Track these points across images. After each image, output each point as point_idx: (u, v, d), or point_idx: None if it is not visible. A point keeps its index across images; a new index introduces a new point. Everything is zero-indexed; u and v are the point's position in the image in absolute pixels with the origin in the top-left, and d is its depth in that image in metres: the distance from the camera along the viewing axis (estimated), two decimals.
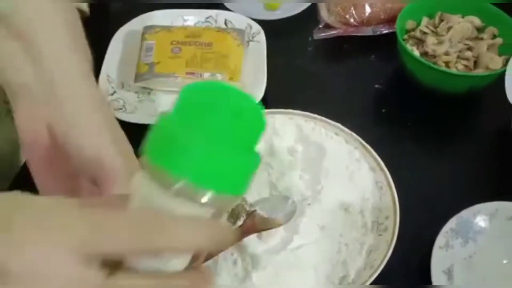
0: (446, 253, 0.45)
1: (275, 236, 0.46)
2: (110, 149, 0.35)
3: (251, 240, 0.46)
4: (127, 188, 0.26)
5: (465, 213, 0.46)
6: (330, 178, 0.49)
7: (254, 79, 0.59)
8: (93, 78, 0.39)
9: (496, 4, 0.60)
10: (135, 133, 0.53)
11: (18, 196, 0.24)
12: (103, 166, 0.34)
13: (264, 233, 0.46)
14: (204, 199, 0.24)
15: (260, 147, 0.51)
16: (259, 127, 0.25)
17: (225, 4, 0.70)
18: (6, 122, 0.53)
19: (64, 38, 0.37)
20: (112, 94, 0.58)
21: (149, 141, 0.25)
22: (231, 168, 0.24)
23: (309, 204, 0.48)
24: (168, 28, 0.63)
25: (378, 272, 0.42)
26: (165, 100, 0.59)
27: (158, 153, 0.24)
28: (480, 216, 0.47)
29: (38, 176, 0.36)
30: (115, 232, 0.23)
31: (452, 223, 0.46)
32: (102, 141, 0.35)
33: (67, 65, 0.37)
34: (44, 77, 0.36)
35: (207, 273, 0.26)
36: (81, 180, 0.36)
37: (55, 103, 0.36)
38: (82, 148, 0.34)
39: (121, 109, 0.56)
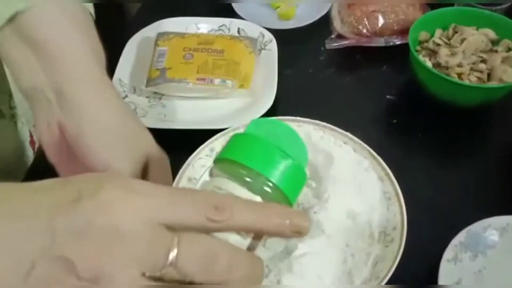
0: (455, 266, 0.44)
1: (280, 243, 0.46)
2: (118, 160, 0.36)
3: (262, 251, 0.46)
4: None
5: (475, 227, 0.46)
6: (337, 186, 0.49)
7: (265, 87, 0.59)
8: (107, 78, 0.39)
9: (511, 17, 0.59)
10: None
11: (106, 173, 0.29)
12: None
13: (269, 239, 0.46)
14: (267, 188, 0.31)
15: None
16: (305, 156, 0.38)
17: (239, 13, 0.71)
18: (10, 125, 0.54)
19: (77, 41, 0.38)
20: (124, 98, 0.58)
21: (227, 148, 0.34)
22: (290, 173, 0.33)
23: (315, 212, 0.47)
24: (181, 35, 0.64)
25: (384, 283, 0.41)
26: (175, 105, 0.59)
27: (234, 153, 0.33)
28: (490, 230, 0.46)
29: (63, 173, 0.38)
30: (191, 205, 0.25)
31: (461, 236, 0.45)
32: (111, 152, 0.36)
33: (80, 67, 0.37)
34: (57, 80, 0.36)
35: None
36: None
37: (67, 107, 0.36)
38: (90, 155, 0.36)
39: None
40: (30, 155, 0.60)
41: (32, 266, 0.23)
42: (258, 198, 0.31)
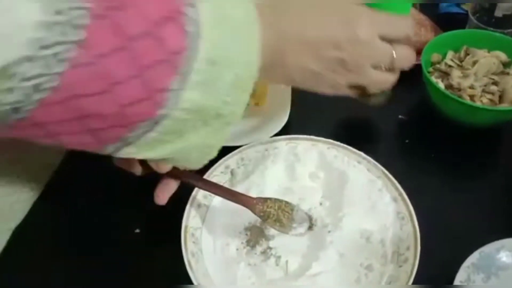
0: (468, 287, 0.44)
1: (294, 262, 0.46)
2: None
3: (269, 265, 0.46)
4: None
5: (487, 248, 0.46)
6: (351, 206, 0.49)
7: (279, 105, 0.60)
8: None
9: None
10: None
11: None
12: None
13: (282, 258, 0.46)
14: None
15: (281, 172, 0.52)
16: None
17: None
18: None
19: None
20: None
21: None
22: None
23: (329, 231, 0.48)
24: None
25: None
26: None
27: None
28: (503, 252, 0.46)
29: None
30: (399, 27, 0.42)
31: (474, 257, 0.45)
32: None
33: None
34: None
35: None
36: None
37: None
38: None
39: None
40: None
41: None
42: None
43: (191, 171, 0.44)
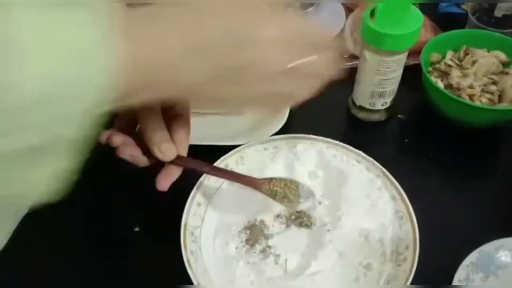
0: (466, 287, 0.44)
1: (293, 260, 0.47)
2: None
3: (268, 263, 0.46)
4: None
5: (487, 247, 0.46)
6: (350, 205, 0.49)
7: None
8: None
9: None
10: None
11: None
12: None
13: (282, 257, 0.46)
14: None
15: (281, 171, 0.52)
16: None
17: None
18: None
19: None
20: None
21: None
22: None
23: (328, 230, 0.48)
24: None
25: None
26: None
27: None
28: (502, 251, 0.46)
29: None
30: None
31: (473, 256, 0.45)
32: None
33: None
34: None
35: None
36: None
37: None
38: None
39: None
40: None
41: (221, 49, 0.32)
42: None
43: (195, 158, 0.45)
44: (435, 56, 0.62)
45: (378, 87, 0.57)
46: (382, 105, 0.59)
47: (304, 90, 0.38)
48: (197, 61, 0.32)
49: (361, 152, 0.52)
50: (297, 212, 0.49)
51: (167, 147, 0.42)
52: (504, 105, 0.56)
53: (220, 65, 0.33)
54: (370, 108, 0.59)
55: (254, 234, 0.48)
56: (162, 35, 0.31)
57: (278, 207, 0.50)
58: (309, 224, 0.49)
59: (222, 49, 0.32)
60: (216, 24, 0.33)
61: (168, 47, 0.31)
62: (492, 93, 0.57)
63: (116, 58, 0.27)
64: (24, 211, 0.50)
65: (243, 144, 0.54)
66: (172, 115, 0.44)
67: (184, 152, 0.44)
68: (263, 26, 0.34)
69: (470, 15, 0.65)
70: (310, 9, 0.76)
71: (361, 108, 0.60)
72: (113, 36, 0.28)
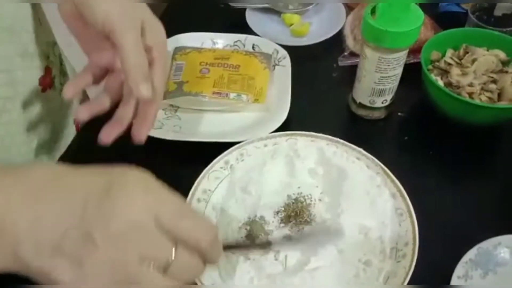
0: (465, 283, 0.44)
1: (293, 257, 0.47)
2: (117, 12, 0.41)
3: (268, 259, 0.46)
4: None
5: (485, 244, 0.46)
6: (350, 202, 0.50)
7: (279, 102, 0.60)
8: None
9: None
10: (161, 148, 0.55)
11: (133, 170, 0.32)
12: (111, 25, 0.40)
13: (281, 253, 0.47)
14: None
15: (281, 168, 0.52)
16: None
17: (254, 30, 0.72)
18: (59, 99, 0.58)
19: None
20: None
21: None
22: None
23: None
24: (198, 50, 0.65)
25: None
26: (191, 118, 0.61)
27: None
28: (501, 248, 0.46)
29: (77, 38, 0.45)
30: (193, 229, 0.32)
31: (471, 253, 0.46)
32: (110, 7, 0.41)
33: None
34: None
35: None
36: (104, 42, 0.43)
37: None
38: (94, 13, 0.41)
39: None
40: (71, 133, 0.61)
41: (65, 233, 0.29)
42: None
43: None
44: (435, 54, 0.62)
45: (378, 85, 0.57)
46: (382, 102, 0.59)
47: None
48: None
49: (361, 150, 0.52)
50: (297, 208, 0.49)
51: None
52: (503, 104, 0.56)
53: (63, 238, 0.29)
54: (370, 105, 0.60)
55: (254, 230, 0.48)
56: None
57: (279, 203, 0.50)
58: (309, 220, 0.49)
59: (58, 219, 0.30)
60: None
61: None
62: (491, 92, 0.57)
63: None
64: None
65: (243, 141, 0.54)
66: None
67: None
68: (121, 202, 0.30)
69: (470, 14, 0.65)
70: (310, 7, 0.76)
71: (361, 105, 0.60)
72: None
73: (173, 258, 0.31)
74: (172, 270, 0.31)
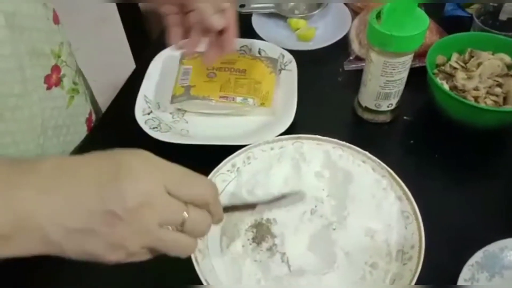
0: (471, 286, 0.45)
1: (299, 259, 0.47)
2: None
3: (275, 261, 0.47)
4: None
5: (491, 247, 0.46)
6: (356, 204, 0.50)
7: (285, 105, 0.60)
8: None
9: None
10: (169, 151, 0.56)
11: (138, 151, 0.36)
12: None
13: (288, 255, 0.47)
14: None
15: (287, 171, 0.53)
16: None
17: (260, 34, 0.73)
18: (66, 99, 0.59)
19: None
20: (148, 114, 0.60)
21: None
22: None
23: (334, 229, 0.49)
24: None
25: None
26: (198, 122, 0.61)
27: None
28: (507, 251, 0.46)
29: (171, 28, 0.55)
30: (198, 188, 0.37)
31: (477, 256, 0.46)
32: None
33: None
34: None
35: None
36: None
37: None
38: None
39: (156, 128, 0.59)
40: (83, 131, 0.63)
41: (89, 214, 0.32)
42: None
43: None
44: (440, 59, 0.62)
45: (384, 89, 0.57)
46: (388, 106, 0.60)
47: (177, 248, 0.37)
48: (63, 211, 0.33)
49: (366, 153, 0.53)
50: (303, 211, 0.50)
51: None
52: (509, 107, 0.56)
53: (91, 214, 0.33)
54: (376, 109, 0.60)
55: (261, 232, 0.49)
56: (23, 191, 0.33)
57: (284, 206, 0.50)
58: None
59: (90, 197, 0.33)
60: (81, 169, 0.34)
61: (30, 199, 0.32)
62: (497, 95, 0.57)
63: None
64: None
65: (250, 144, 0.54)
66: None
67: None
68: (135, 175, 0.33)
69: (475, 18, 0.66)
70: (316, 11, 0.77)
71: (367, 109, 0.61)
72: None
73: (186, 216, 0.35)
74: (187, 227, 0.36)
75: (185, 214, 0.35)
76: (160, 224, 0.34)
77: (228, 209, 0.47)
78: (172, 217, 0.35)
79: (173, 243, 0.36)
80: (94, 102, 0.69)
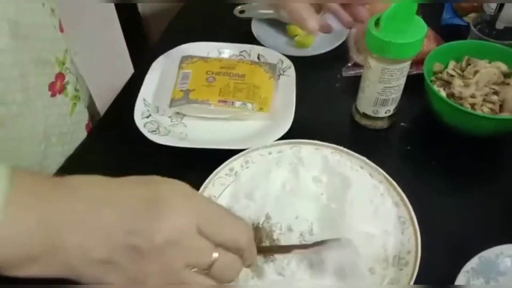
0: (467, 287, 0.45)
1: (296, 263, 0.47)
2: None
3: (271, 266, 0.47)
4: None
5: (487, 253, 0.46)
6: (354, 210, 0.50)
7: (283, 110, 0.61)
8: None
9: None
10: (167, 154, 0.56)
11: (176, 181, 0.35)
12: None
13: (284, 260, 0.47)
14: None
15: (285, 175, 0.53)
16: None
17: (259, 40, 0.74)
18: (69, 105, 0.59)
19: None
20: (147, 117, 0.60)
21: None
22: None
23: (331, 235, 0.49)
24: (204, 59, 0.67)
25: None
26: (196, 125, 0.61)
27: None
28: (502, 258, 0.47)
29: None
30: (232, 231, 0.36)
31: (473, 262, 0.46)
32: None
33: None
34: None
35: None
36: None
37: None
38: None
39: (155, 131, 0.59)
40: (81, 137, 0.62)
41: (113, 248, 0.32)
42: None
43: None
44: (437, 66, 0.63)
45: (381, 95, 0.58)
46: (386, 112, 0.60)
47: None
48: (92, 238, 0.32)
49: (364, 158, 0.53)
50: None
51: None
52: (505, 115, 0.57)
53: (115, 246, 0.32)
54: (374, 115, 0.61)
55: (258, 235, 0.49)
56: (60, 207, 0.32)
57: (282, 210, 0.50)
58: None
59: (119, 230, 0.32)
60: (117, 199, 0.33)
61: (63, 220, 0.32)
62: (493, 103, 0.58)
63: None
64: None
65: (248, 148, 0.55)
66: None
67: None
68: (169, 208, 0.33)
69: (472, 27, 0.67)
70: None
71: (365, 115, 0.61)
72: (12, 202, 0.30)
73: (214, 260, 0.34)
74: (214, 270, 0.34)
75: (215, 255, 0.34)
76: (186, 265, 0.33)
77: (263, 251, 0.45)
78: (199, 259, 0.34)
79: (196, 287, 0.34)
80: (91, 106, 0.69)
